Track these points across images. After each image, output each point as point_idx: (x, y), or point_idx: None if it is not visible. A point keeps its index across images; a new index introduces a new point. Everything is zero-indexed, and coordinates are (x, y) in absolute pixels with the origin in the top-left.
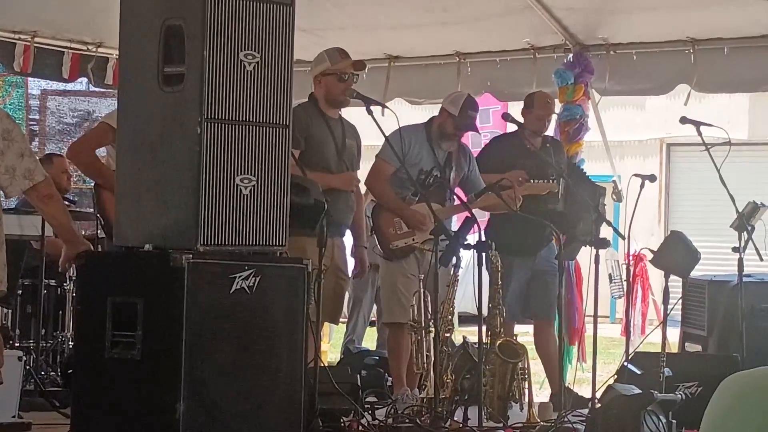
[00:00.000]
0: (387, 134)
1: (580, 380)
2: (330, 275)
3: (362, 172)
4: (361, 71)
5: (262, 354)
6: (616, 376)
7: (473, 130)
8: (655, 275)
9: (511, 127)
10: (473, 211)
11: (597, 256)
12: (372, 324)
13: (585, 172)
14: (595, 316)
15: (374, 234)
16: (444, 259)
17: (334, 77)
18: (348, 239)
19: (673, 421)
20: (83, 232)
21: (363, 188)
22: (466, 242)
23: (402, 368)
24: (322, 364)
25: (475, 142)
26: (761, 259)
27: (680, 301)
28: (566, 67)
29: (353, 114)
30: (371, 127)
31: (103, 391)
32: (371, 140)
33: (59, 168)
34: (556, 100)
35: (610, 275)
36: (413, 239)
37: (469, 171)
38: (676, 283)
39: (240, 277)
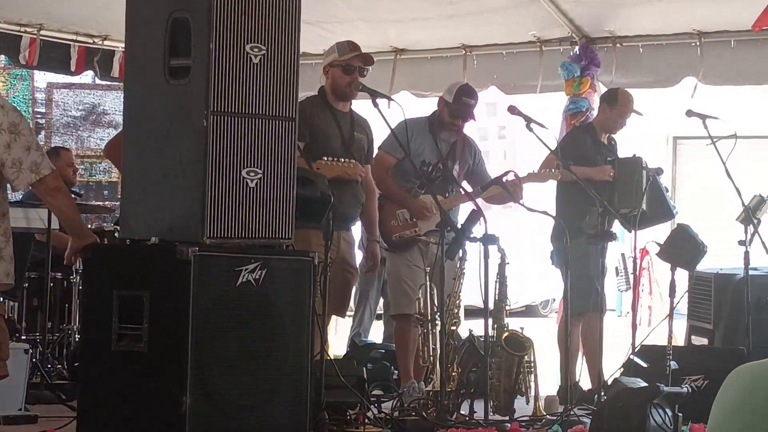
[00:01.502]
0: (393, 127)
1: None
2: (337, 268)
3: None
4: (370, 65)
5: (268, 347)
6: (622, 369)
7: (469, 116)
8: (662, 268)
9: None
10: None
11: (604, 250)
12: (378, 317)
13: (662, 187)
14: (602, 310)
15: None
16: (450, 252)
17: (339, 69)
18: (358, 232)
19: (680, 414)
20: (89, 225)
21: None
22: (472, 235)
23: (409, 361)
24: (328, 357)
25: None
26: (767, 252)
27: (686, 294)
28: (572, 60)
29: (360, 107)
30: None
31: (110, 383)
32: (375, 133)
33: (65, 161)
34: (563, 93)
35: (616, 268)
36: (415, 230)
37: (475, 164)
38: (682, 276)
39: (246, 269)
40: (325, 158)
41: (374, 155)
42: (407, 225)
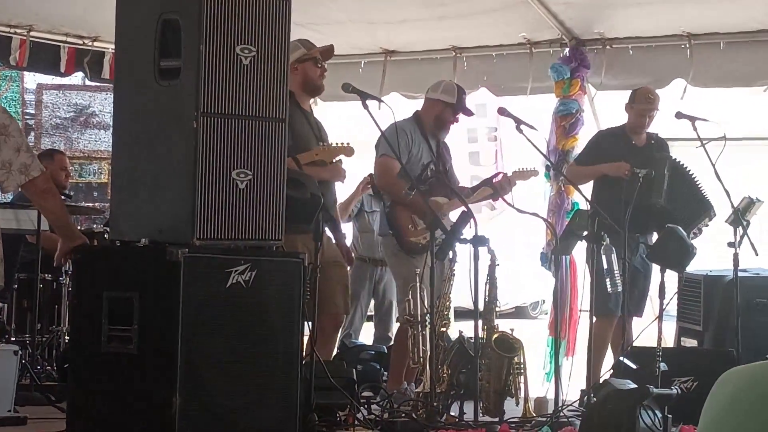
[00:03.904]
0: (383, 129)
1: (574, 375)
2: (331, 268)
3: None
4: (329, 58)
5: (258, 348)
6: (611, 371)
7: (470, 112)
8: (652, 270)
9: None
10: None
11: (593, 251)
12: (369, 319)
13: (696, 184)
14: (591, 311)
15: (391, 231)
16: (440, 253)
17: (311, 62)
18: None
19: (669, 415)
20: (79, 227)
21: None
22: (462, 236)
23: (405, 365)
24: (318, 359)
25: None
26: (756, 254)
27: (676, 295)
28: (562, 62)
29: (348, 108)
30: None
31: (99, 385)
32: (365, 135)
33: (59, 165)
34: (553, 95)
35: (605, 270)
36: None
37: (450, 165)
38: (672, 277)
39: (236, 271)
40: (322, 143)
41: (379, 161)
42: (423, 229)
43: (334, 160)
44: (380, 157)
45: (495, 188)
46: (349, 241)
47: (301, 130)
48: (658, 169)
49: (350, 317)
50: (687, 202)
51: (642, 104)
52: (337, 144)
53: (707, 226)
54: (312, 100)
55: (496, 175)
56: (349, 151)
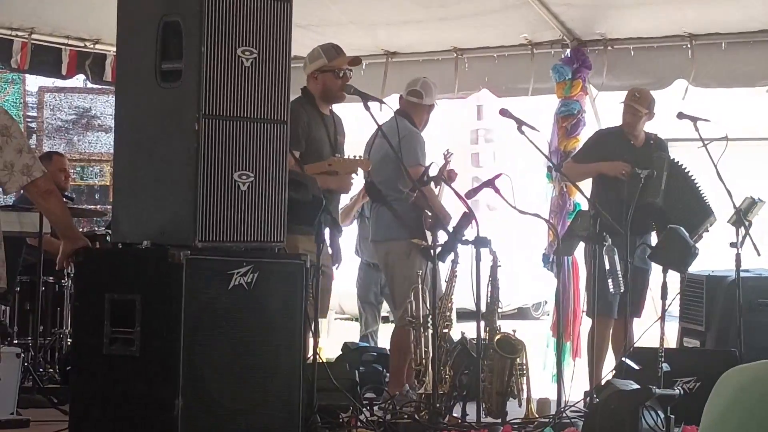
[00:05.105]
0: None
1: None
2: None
3: None
4: (357, 66)
5: (260, 350)
6: (614, 372)
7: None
8: (653, 270)
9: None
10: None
11: (595, 252)
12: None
13: (695, 186)
14: (594, 312)
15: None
16: (441, 254)
17: (331, 74)
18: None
19: (672, 416)
20: (81, 229)
21: None
22: (464, 238)
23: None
24: (320, 361)
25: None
26: (759, 254)
27: (678, 296)
28: (564, 63)
29: (350, 109)
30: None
31: (102, 387)
32: (366, 136)
33: (58, 166)
34: (554, 96)
35: (608, 270)
36: None
37: None
38: (674, 278)
39: (238, 273)
40: (338, 155)
41: (412, 168)
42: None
43: (348, 173)
44: (415, 167)
45: (500, 194)
46: (352, 245)
47: (316, 134)
48: (655, 169)
49: (364, 320)
50: (686, 204)
51: (626, 100)
52: (352, 156)
53: (707, 231)
54: None
55: (498, 176)
56: (366, 164)
